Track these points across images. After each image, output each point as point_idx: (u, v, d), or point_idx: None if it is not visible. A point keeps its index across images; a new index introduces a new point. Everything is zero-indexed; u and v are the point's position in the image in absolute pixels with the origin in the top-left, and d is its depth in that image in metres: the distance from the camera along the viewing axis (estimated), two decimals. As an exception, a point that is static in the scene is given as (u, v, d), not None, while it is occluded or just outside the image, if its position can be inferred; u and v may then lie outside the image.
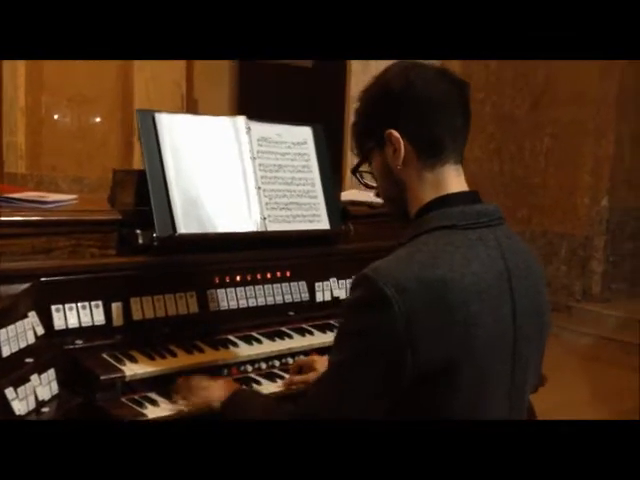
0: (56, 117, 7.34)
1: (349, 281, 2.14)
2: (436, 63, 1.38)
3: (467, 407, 1.20)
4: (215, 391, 1.55)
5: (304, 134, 2.07)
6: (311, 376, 1.71)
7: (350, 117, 5.75)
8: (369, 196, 2.27)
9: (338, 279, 2.13)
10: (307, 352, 1.89)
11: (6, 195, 1.73)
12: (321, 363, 1.73)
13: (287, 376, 1.78)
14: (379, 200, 1.59)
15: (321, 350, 1.90)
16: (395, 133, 1.29)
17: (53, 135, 7.35)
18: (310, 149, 2.07)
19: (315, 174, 2.07)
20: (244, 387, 1.64)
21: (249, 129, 1.94)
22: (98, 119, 7.39)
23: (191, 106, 7.49)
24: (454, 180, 1.30)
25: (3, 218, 1.56)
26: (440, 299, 1.15)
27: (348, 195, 2.34)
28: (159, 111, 1.81)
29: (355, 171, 1.44)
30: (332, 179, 2.11)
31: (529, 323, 1.28)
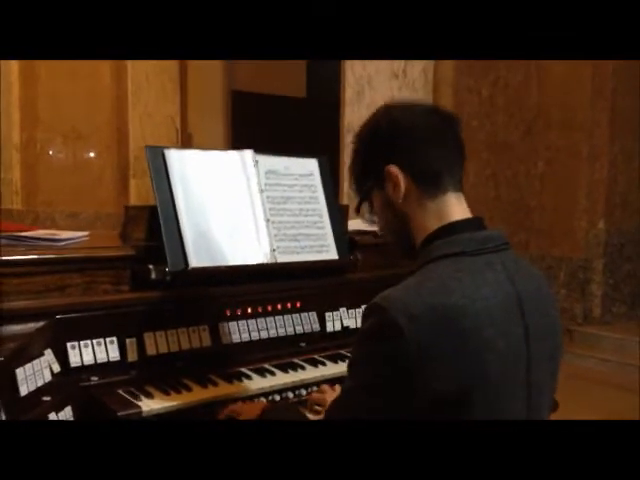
0: (51, 153, 7.39)
1: (359, 310, 2.14)
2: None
3: None
4: (249, 412, 1.58)
5: (310, 166, 2.10)
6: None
7: (345, 147, 5.81)
8: (374, 226, 2.30)
9: (348, 309, 2.14)
10: (319, 383, 1.89)
11: (18, 234, 1.74)
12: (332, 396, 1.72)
13: (302, 409, 1.77)
14: None
15: (333, 380, 1.90)
16: (393, 168, 1.31)
17: (48, 171, 7.39)
18: (316, 180, 2.10)
19: (322, 205, 2.09)
20: (271, 405, 1.67)
21: (257, 162, 1.97)
22: (93, 154, 7.44)
23: (186, 140, 7.56)
24: (457, 208, 1.32)
25: (18, 257, 1.57)
26: (452, 326, 1.16)
27: (354, 225, 2.35)
28: (167, 147, 1.84)
29: (357, 210, 1.48)
30: (338, 209, 2.13)
31: (542, 346, 1.29)
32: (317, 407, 1.72)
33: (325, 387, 1.84)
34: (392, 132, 1.32)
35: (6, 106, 7.28)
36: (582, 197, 5.78)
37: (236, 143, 7.34)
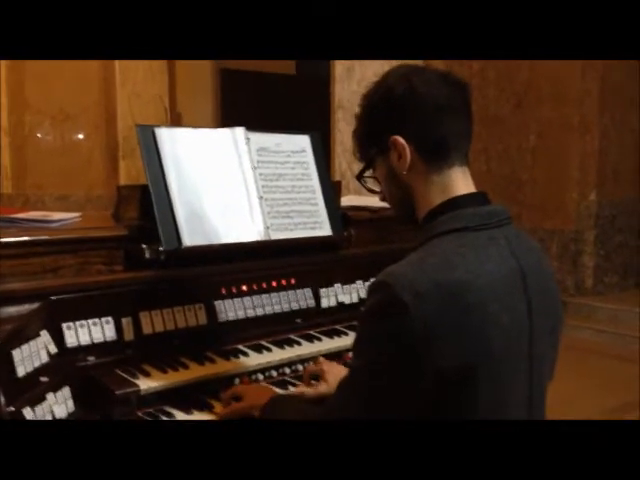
0: (39, 135, 7.32)
1: (353, 286, 2.15)
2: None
3: (487, 406, 1.21)
4: (255, 398, 1.56)
5: (302, 142, 2.09)
6: (321, 387, 1.68)
7: (336, 123, 5.78)
8: (367, 201, 2.29)
9: (342, 284, 2.14)
10: (316, 358, 1.90)
11: (10, 216, 1.73)
12: (331, 373, 1.71)
13: (299, 383, 1.79)
14: (381, 204, 1.60)
15: (329, 355, 1.91)
16: (400, 139, 1.29)
17: (37, 154, 7.33)
18: (309, 157, 2.09)
19: (315, 181, 2.08)
20: (279, 393, 1.65)
21: (248, 139, 1.96)
22: (82, 136, 7.38)
23: (175, 119, 7.50)
24: (462, 182, 1.31)
25: (10, 239, 1.56)
26: (456, 301, 1.16)
27: (348, 200, 2.35)
28: (158, 126, 1.82)
29: (359, 177, 1.44)
30: (331, 186, 2.12)
31: (544, 320, 1.29)
32: (313, 381, 1.72)
33: (321, 359, 1.83)
34: (407, 101, 1.28)
35: (-7, 89, 7.21)
36: (574, 169, 5.79)
37: (226, 121, 7.29)
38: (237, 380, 1.75)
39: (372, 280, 1.23)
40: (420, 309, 1.14)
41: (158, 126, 1.82)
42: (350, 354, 1.82)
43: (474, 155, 6.17)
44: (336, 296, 2.12)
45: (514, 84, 5.95)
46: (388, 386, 1.19)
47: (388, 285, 1.17)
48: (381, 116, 1.32)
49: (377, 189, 1.43)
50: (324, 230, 2.06)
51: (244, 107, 7.13)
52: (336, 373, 1.68)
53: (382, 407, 1.22)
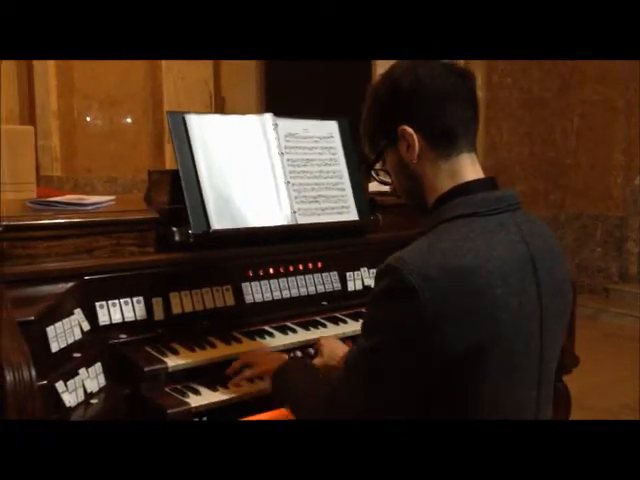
0: (88, 119, 7.51)
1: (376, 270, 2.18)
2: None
3: (497, 389, 1.23)
4: (266, 364, 1.61)
5: (330, 128, 2.12)
6: (315, 360, 1.74)
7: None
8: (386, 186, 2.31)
9: (369, 268, 2.18)
10: (341, 340, 1.94)
11: (48, 199, 1.82)
12: (327, 346, 1.76)
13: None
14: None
15: (353, 337, 1.94)
16: (408, 129, 1.31)
17: (86, 137, 7.53)
18: (336, 142, 2.12)
19: (342, 167, 2.12)
20: (294, 359, 1.68)
21: (276, 125, 2.00)
22: (129, 120, 7.54)
23: (219, 104, 7.59)
24: (470, 168, 1.33)
25: (47, 221, 1.64)
26: (465, 285, 1.18)
27: (375, 186, 2.37)
28: (189, 112, 1.88)
29: (370, 169, 1.47)
30: (359, 171, 2.15)
31: (553, 303, 1.30)
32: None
33: (321, 340, 1.82)
34: (413, 92, 1.31)
35: (43, 74, 7.41)
36: (618, 153, 5.67)
37: (270, 106, 7.34)
38: (262, 359, 1.80)
39: (380, 265, 1.25)
40: (429, 293, 1.16)
41: (188, 112, 1.88)
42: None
43: (517, 139, 6.08)
44: (362, 280, 2.16)
45: (558, 66, 5.84)
46: (395, 367, 1.22)
47: (396, 269, 1.19)
48: (389, 108, 1.35)
49: (388, 180, 1.45)
50: (351, 215, 2.09)
51: (287, 92, 7.16)
52: (332, 347, 1.74)
53: (393, 389, 1.24)
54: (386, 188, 2.37)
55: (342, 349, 1.74)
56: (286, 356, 1.72)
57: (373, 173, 1.48)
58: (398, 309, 1.19)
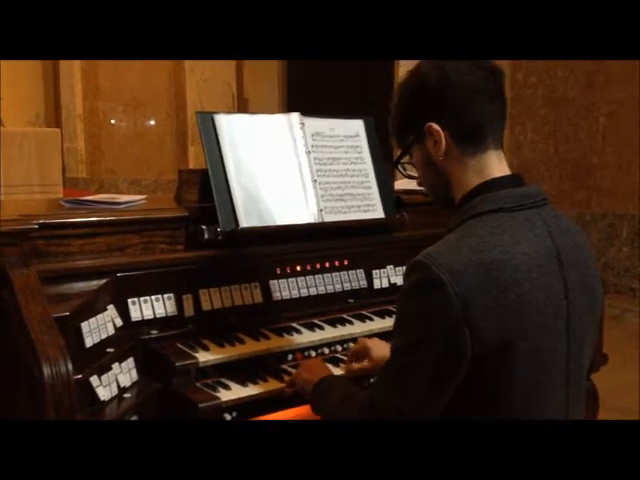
0: (113, 122, 7.61)
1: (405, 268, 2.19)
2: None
3: (525, 385, 1.23)
4: (313, 374, 1.61)
5: (356, 127, 2.14)
6: (366, 363, 1.75)
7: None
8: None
9: (395, 266, 2.19)
10: (368, 337, 1.95)
11: (81, 198, 1.86)
12: (375, 349, 1.76)
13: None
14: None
15: (381, 335, 1.96)
16: (435, 126, 1.32)
17: (111, 139, 7.63)
18: (362, 141, 2.14)
19: (368, 165, 2.13)
20: (332, 374, 1.67)
21: (303, 124, 2.02)
22: (153, 122, 7.63)
23: (242, 105, 7.64)
24: (496, 165, 1.34)
25: (81, 219, 1.68)
26: (492, 280, 1.19)
27: (401, 184, 2.38)
28: (217, 112, 1.91)
29: (396, 164, 1.49)
30: (385, 169, 2.16)
31: (581, 299, 1.31)
32: (357, 360, 1.79)
33: (367, 343, 1.82)
34: (441, 89, 1.32)
35: (68, 77, 7.53)
36: (645, 152, 5.60)
37: (292, 107, 7.37)
38: (290, 356, 1.83)
39: (408, 263, 1.26)
40: (458, 287, 1.17)
41: (217, 113, 1.91)
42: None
43: (542, 138, 6.01)
44: (388, 277, 2.17)
45: (584, 64, 5.78)
46: (432, 364, 1.21)
47: (425, 265, 1.20)
48: (416, 104, 1.36)
49: (415, 174, 1.47)
50: (377, 213, 2.11)
51: (310, 91, 7.19)
52: (380, 348, 1.74)
53: (427, 387, 1.23)
54: (413, 183, 2.38)
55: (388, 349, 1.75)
56: (330, 369, 1.72)
57: (400, 167, 1.49)
58: (428, 304, 1.20)
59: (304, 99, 6.81)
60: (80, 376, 1.44)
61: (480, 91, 1.31)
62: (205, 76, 7.35)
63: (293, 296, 1.96)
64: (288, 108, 7.65)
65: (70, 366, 1.34)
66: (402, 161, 1.46)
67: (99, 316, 1.60)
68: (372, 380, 1.77)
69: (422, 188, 1.52)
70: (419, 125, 1.35)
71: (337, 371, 1.81)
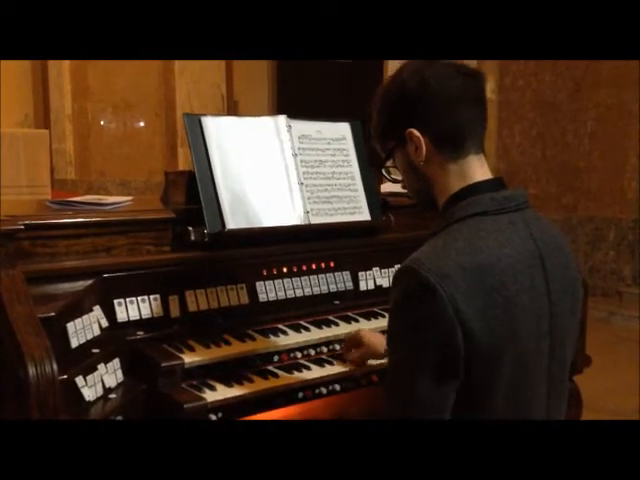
0: (102, 123, 7.59)
1: (391, 270, 2.21)
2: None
3: (509, 385, 1.25)
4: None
5: (342, 130, 2.15)
6: (362, 351, 1.84)
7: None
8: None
9: (381, 268, 2.20)
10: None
11: (67, 199, 1.86)
12: (366, 334, 1.87)
13: (335, 362, 1.87)
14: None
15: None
16: (415, 132, 1.33)
17: (100, 141, 7.59)
18: (349, 144, 2.15)
19: (354, 168, 2.15)
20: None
21: (290, 127, 2.03)
22: (142, 124, 7.60)
23: (232, 107, 7.63)
24: (478, 169, 1.35)
25: (67, 220, 1.68)
26: (480, 283, 1.20)
27: (388, 187, 2.40)
28: (205, 115, 1.92)
29: (380, 168, 1.50)
30: (371, 172, 2.18)
31: (563, 300, 1.33)
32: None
33: (361, 332, 1.90)
34: (420, 96, 1.33)
35: (57, 78, 7.49)
36: (633, 156, 5.66)
37: (282, 109, 7.38)
38: (276, 357, 1.84)
39: (397, 269, 1.26)
40: (448, 291, 1.18)
41: (205, 115, 1.92)
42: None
43: (529, 141, 6.05)
44: (374, 279, 2.19)
45: (571, 68, 5.83)
46: (432, 369, 1.21)
47: (414, 270, 1.21)
48: (396, 110, 1.37)
49: (399, 178, 1.48)
50: (363, 215, 2.12)
51: (300, 94, 7.19)
52: (369, 333, 1.85)
53: (431, 393, 1.22)
54: (398, 186, 2.40)
55: (381, 339, 1.81)
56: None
57: (384, 171, 1.50)
58: (421, 312, 1.20)
59: (294, 101, 6.82)
60: (65, 376, 1.44)
61: (460, 97, 1.32)
62: (195, 78, 7.34)
63: (279, 297, 1.97)
64: (278, 110, 7.65)
65: (55, 366, 1.35)
66: (386, 165, 1.48)
67: (85, 317, 1.60)
68: (369, 362, 1.88)
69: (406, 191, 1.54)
70: (400, 131, 1.36)
71: (322, 372, 1.82)
